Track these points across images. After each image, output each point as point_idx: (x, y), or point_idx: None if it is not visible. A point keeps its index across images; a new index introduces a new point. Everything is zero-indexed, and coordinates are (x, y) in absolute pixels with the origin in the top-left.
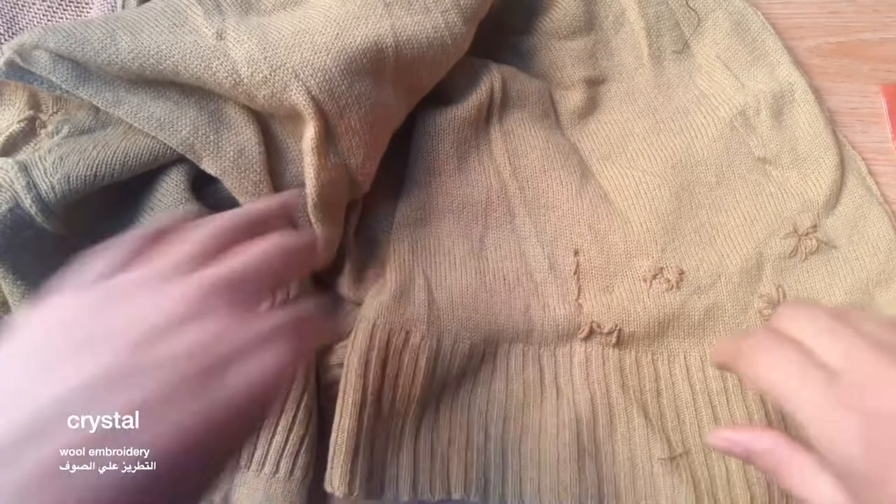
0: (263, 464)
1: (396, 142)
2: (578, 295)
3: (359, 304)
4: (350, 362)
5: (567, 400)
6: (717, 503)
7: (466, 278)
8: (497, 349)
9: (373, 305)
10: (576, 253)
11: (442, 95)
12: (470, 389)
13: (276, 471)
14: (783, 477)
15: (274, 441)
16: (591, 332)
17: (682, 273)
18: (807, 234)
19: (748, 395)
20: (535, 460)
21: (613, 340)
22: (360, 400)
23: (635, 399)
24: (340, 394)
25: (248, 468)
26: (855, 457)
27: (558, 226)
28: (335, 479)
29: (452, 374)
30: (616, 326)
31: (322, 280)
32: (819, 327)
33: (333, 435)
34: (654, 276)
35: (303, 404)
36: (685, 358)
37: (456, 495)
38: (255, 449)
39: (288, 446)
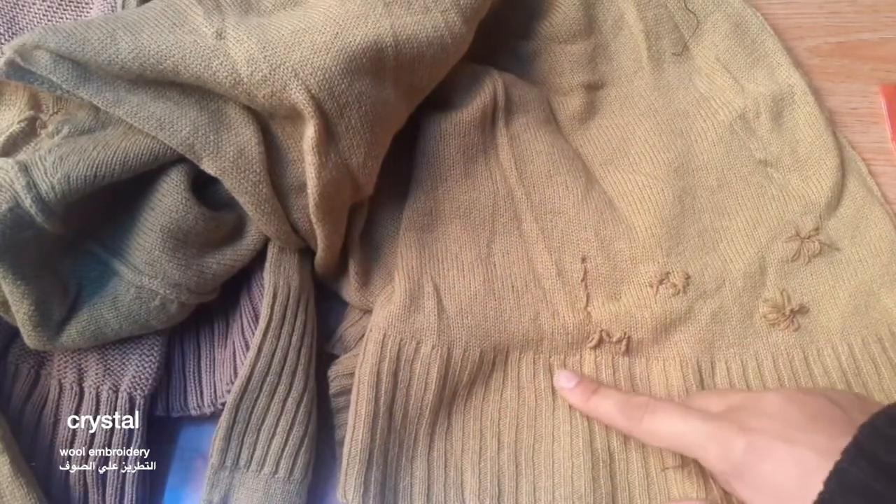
0: (263, 464)
1: (402, 147)
2: (587, 303)
3: (364, 309)
4: (362, 373)
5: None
6: None
7: (475, 285)
8: (507, 357)
9: (382, 315)
10: (583, 260)
11: (446, 100)
12: (482, 398)
13: (276, 471)
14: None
15: (273, 441)
16: (601, 341)
17: (688, 277)
18: (809, 236)
19: None
20: (548, 469)
21: (623, 349)
22: (372, 411)
23: None
24: (353, 405)
25: (248, 468)
26: (739, 456)
27: (565, 231)
28: (349, 491)
29: (463, 382)
30: (625, 335)
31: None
32: (703, 399)
33: (346, 446)
34: (661, 282)
35: (302, 405)
36: (698, 363)
37: None
38: (254, 449)
39: (287, 447)
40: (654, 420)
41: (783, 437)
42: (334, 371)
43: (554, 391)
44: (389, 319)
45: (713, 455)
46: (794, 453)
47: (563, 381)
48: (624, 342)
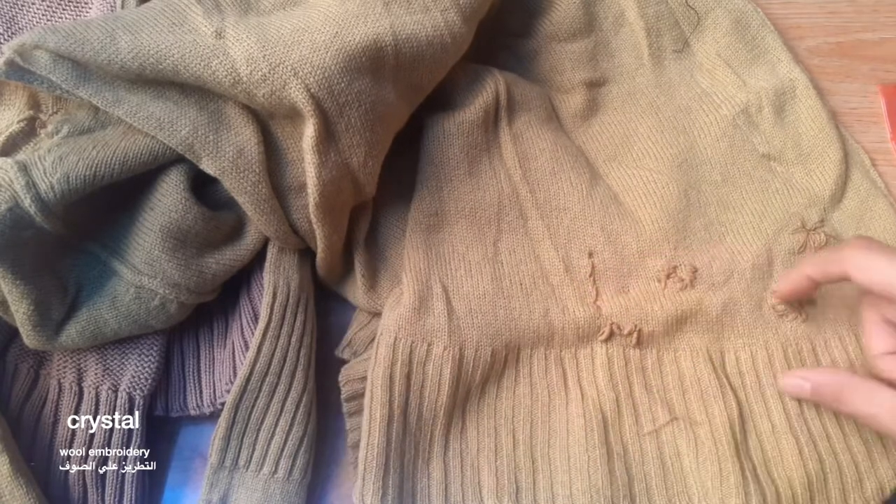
0: (262, 464)
1: (405, 148)
2: (597, 297)
3: (373, 312)
4: (374, 377)
5: (592, 402)
6: (747, 496)
7: (483, 285)
8: (519, 354)
9: (392, 317)
10: (590, 255)
11: (448, 100)
12: (495, 396)
13: (275, 471)
14: (846, 400)
15: (273, 441)
16: (612, 334)
17: (695, 270)
18: (814, 228)
19: (774, 388)
20: (564, 463)
21: (634, 341)
22: (387, 414)
23: (660, 397)
24: (367, 409)
25: (247, 468)
26: None
27: (571, 228)
28: (367, 496)
29: (476, 381)
30: (636, 327)
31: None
32: None
33: (362, 451)
34: (669, 276)
35: (302, 405)
36: (708, 353)
37: (489, 503)
38: (253, 449)
39: (287, 447)
40: (869, 256)
41: None
42: (345, 375)
43: (567, 386)
44: (399, 322)
45: None
46: None
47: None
48: (635, 335)
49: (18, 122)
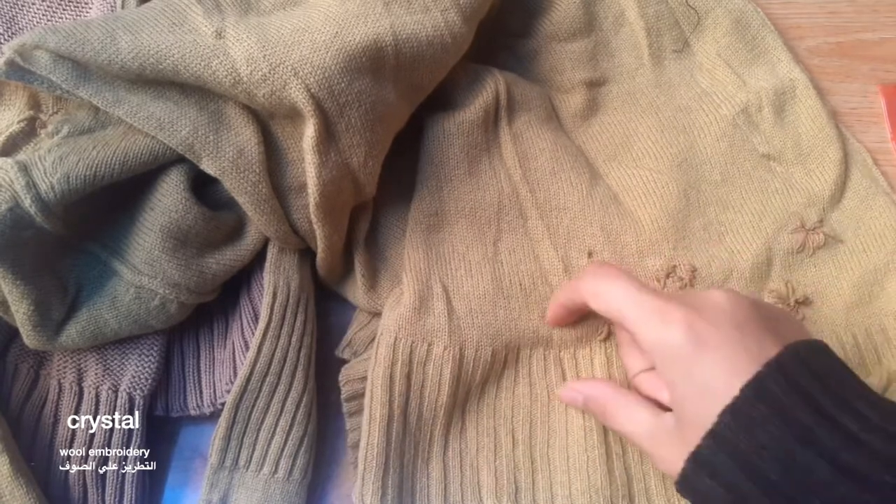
0: (262, 464)
1: (406, 148)
2: None
3: (373, 312)
4: (374, 377)
5: None
6: None
7: (483, 285)
8: (518, 354)
9: (392, 317)
10: (590, 254)
11: (448, 100)
12: (494, 396)
13: (275, 471)
14: (610, 416)
15: (273, 441)
16: (610, 334)
17: (694, 270)
18: (814, 228)
19: None
20: (563, 463)
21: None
22: (387, 414)
23: None
24: (367, 409)
25: (247, 468)
26: (676, 342)
27: (571, 227)
28: (367, 495)
29: (476, 381)
30: None
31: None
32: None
33: (362, 451)
34: (668, 275)
35: (302, 405)
36: None
37: (488, 502)
38: (254, 449)
39: (287, 447)
40: (599, 283)
41: (723, 331)
42: (345, 375)
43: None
44: (400, 322)
45: (651, 330)
46: (729, 351)
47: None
48: None
49: (19, 122)
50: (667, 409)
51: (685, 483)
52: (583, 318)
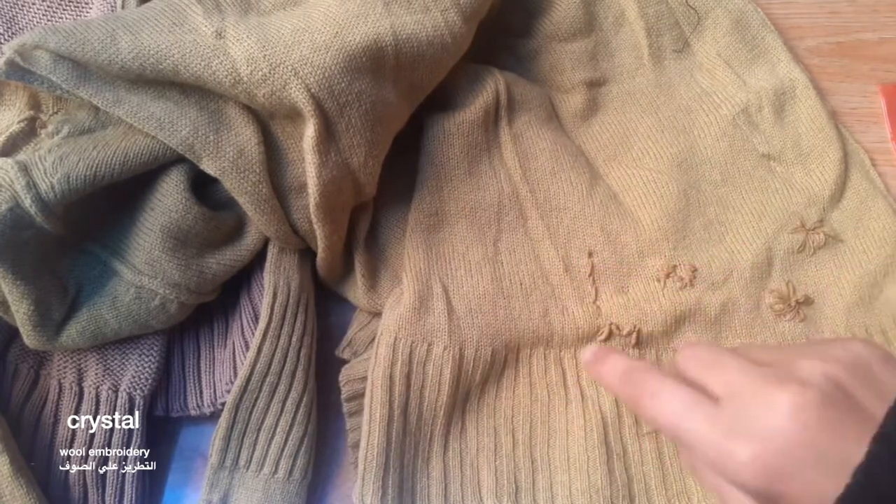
0: (262, 464)
1: (406, 148)
2: (596, 297)
3: (373, 312)
4: (374, 377)
5: (591, 402)
6: None
7: (483, 284)
8: (518, 354)
9: (392, 317)
10: (590, 255)
11: (448, 100)
12: (494, 395)
13: (276, 471)
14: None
15: (273, 441)
16: (611, 334)
17: (694, 270)
18: (814, 228)
19: None
20: (564, 463)
21: (633, 341)
22: (387, 414)
23: None
24: (367, 409)
25: (248, 468)
26: (749, 482)
27: (571, 227)
28: (367, 495)
29: (476, 381)
30: (635, 327)
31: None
32: (703, 362)
33: (362, 451)
34: (668, 275)
35: (302, 405)
36: None
37: (488, 502)
38: (254, 449)
39: (287, 447)
40: (654, 404)
41: (801, 462)
42: (345, 375)
43: (566, 386)
44: (400, 322)
45: (711, 459)
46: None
47: (587, 354)
48: (634, 335)
49: (19, 122)
50: None
51: None
52: (583, 319)
